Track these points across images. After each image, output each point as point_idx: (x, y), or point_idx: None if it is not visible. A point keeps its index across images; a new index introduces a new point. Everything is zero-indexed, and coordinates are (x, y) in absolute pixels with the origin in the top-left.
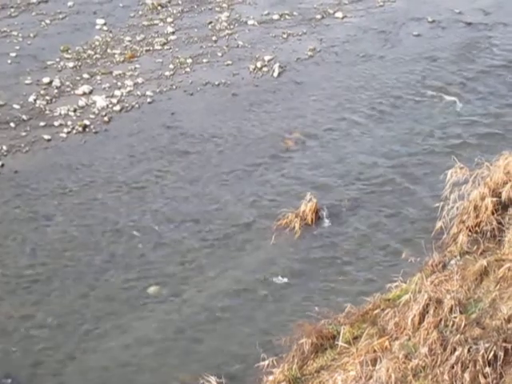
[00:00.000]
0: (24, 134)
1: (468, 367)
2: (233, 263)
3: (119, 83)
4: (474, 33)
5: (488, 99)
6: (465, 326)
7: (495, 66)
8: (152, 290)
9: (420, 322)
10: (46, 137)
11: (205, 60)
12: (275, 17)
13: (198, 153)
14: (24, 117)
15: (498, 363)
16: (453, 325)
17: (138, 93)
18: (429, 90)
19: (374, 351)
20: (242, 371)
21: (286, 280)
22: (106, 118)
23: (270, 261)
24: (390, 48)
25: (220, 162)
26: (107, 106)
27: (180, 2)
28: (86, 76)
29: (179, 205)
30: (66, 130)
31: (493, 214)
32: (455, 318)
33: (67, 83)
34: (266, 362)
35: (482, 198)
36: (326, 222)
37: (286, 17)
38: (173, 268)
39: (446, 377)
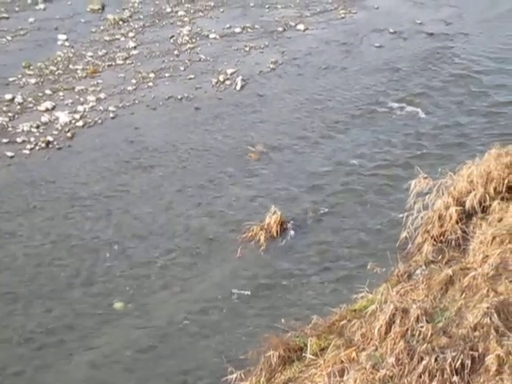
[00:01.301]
0: None
1: (435, 376)
2: (198, 277)
3: (82, 99)
4: (435, 43)
5: (450, 109)
6: (431, 335)
7: (457, 75)
8: (117, 305)
9: (387, 332)
10: (9, 153)
11: (167, 74)
12: (237, 30)
13: (161, 167)
14: None
15: (466, 371)
16: (419, 334)
17: (101, 108)
18: (391, 100)
19: (342, 362)
20: None
21: (251, 292)
22: (69, 134)
23: (236, 274)
24: (351, 59)
25: (184, 175)
26: (70, 121)
27: (141, 17)
28: (48, 92)
29: (144, 219)
30: (29, 146)
31: (457, 223)
32: (422, 327)
33: (30, 99)
34: (234, 376)
35: (446, 208)
36: (291, 234)
37: (248, 30)
38: (138, 283)
39: None
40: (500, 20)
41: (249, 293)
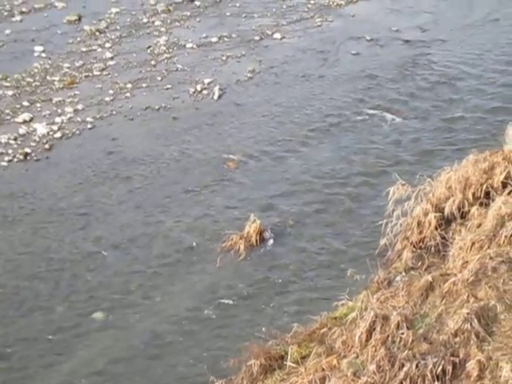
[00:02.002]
0: None
1: (417, 383)
2: (178, 287)
3: (59, 110)
4: (412, 50)
5: (427, 115)
6: (412, 341)
7: (434, 82)
8: (97, 316)
9: (367, 340)
10: None
11: (144, 84)
12: (214, 39)
13: (139, 177)
14: None
15: (447, 377)
16: (400, 341)
17: (79, 119)
18: (369, 108)
19: (323, 370)
20: None
21: (232, 302)
22: (47, 146)
23: (216, 283)
24: (328, 67)
25: (162, 185)
26: (48, 133)
27: (118, 28)
28: (25, 104)
29: (123, 230)
30: (6, 158)
31: (436, 229)
32: (402, 334)
33: (7, 111)
34: None
35: (425, 214)
36: (271, 243)
37: (225, 39)
38: (118, 294)
39: None
40: (476, 26)
41: (232, 302)
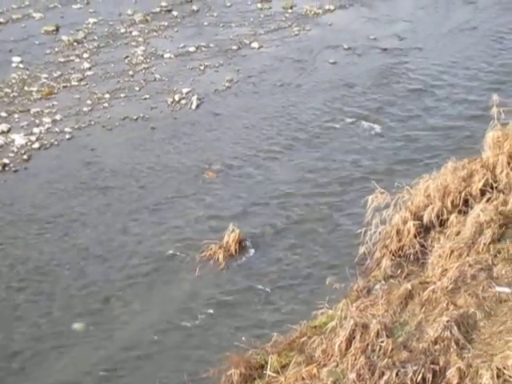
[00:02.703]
0: None
1: None
2: (158, 297)
3: (37, 121)
4: (389, 58)
5: (406, 123)
6: (392, 349)
7: (412, 90)
8: (77, 326)
9: (347, 348)
10: None
11: (122, 95)
12: (191, 49)
13: (118, 188)
14: None
15: None
16: (380, 349)
17: (57, 130)
18: (347, 116)
19: (303, 379)
20: None
21: (212, 311)
22: (25, 156)
23: (196, 293)
24: (306, 76)
25: (141, 195)
26: (26, 143)
27: (96, 38)
28: (3, 114)
29: (102, 240)
30: None
31: (415, 237)
32: (382, 342)
33: None
34: None
35: (404, 222)
36: (250, 252)
37: (203, 49)
38: (98, 304)
39: None
40: (453, 34)
41: (211, 311)
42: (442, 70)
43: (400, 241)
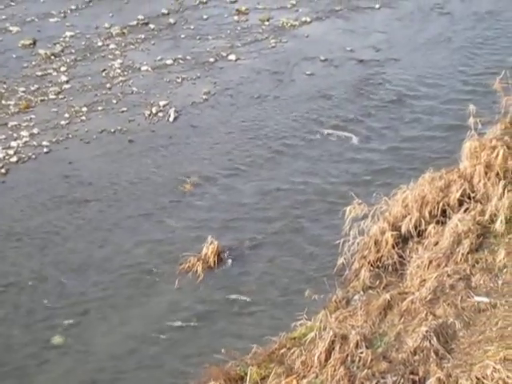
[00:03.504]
0: None
1: None
2: (137, 310)
3: (15, 134)
4: (366, 69)
5: (383, 134)
6: (371, 360)
7: (388, 101)
8: (56, 340)
9: (327, 359)
10: None
11: (100, 108)
12: (169, 62)
13: (97, 201)
14: None
15: None
16: (359, 360)
17: (35, 143)
18: (325, 128)
19: None
20: None
21: (191, 323)
22: (2, 170)
23: (175, 305)
24: (284, 88)
25: (119, 208)
26: (4, 157)
27: (73, 51)
28: None
29: (81, 254)
30: None
31: (393, 247)
32: (361, 353)
33: None
34: None
35: (382, 233)
36: (229, 264)
37: (180, 61)
38: (77, 317)
39: None
40: (429, 45)
41: (191, 323)
42: (419, 80)
43: (378, 251)
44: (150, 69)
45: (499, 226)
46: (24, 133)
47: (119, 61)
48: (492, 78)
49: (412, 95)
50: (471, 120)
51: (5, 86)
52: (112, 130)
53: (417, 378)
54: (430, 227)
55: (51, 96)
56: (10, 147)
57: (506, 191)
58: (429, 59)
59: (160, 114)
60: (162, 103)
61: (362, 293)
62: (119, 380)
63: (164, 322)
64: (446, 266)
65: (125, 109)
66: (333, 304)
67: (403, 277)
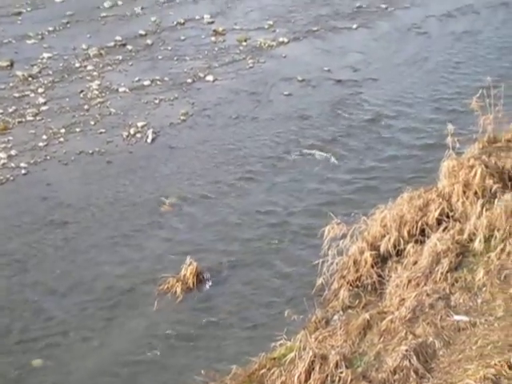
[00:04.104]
0: None
1: None
2: (116, 331)
3: None
4: (344, 89)
5: (361, 154)
6: (351, 380)
7: (366, 120)
8: (36, 362)
9: (306, 380)
10: None
11: (78, 129)
12: (146, 83)
13: (75, 222)
14: None
15: None
16: (339, 380)
17: (12, 165)
18: (302, 148)
19: None
20: None
21: (170, 345)
22: None
23: (154, 326)
24: (261, 108)
25: (98, 230)
26: None
27: (51, 73)
28: None
29: (59, 275)
30: None
31: (372, 267)
32: (341, 373)
33: None
34: None
35: (361, 252)
36: (208, 285)
37: (157, 82)
38: (56, 339)
39: None
40: (406, 65)
41: (170, 344)
42: (397, 100)
43: (357, 271)
44: (127, 90)
45: (478, 244)
46: (2, 154)
47: (97, 82)
48: (469, 98)
49: (390, 115)
50: (449, 139)
51: None
52: (90, 152)
53: None
54: (409, 246)
55: (29, 117)
56: None
57: (484, 210)
58: (406, 79)
59: (138, 135)
60: (139, 124)
61: (341, 312)
62: None
63: (144, 343)
64: (425, 285)
65: (103, 130)
66: (312, 324)
67: (382, 296)
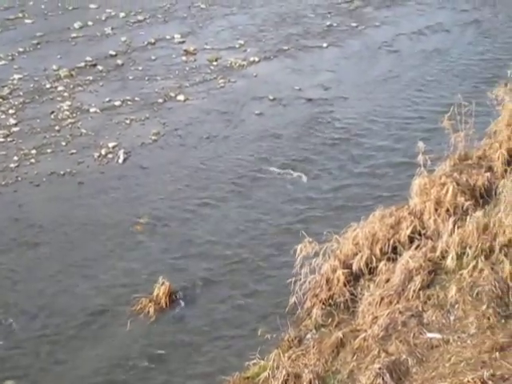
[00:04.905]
0: None
1: None
2: (90, 351)
3: None
4: (314, 108)
5: (333, 172)
6: None
7: (338, 139)
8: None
9: None
10: None
11: (49, 150)
12: (117, 103)
13: (47, 243)
14: None
15: None
16: None
17: None
18: (274, 167)
19: None
20: None
21: (144, 365)
22: None
23: (127, 347)
24: (233, 128)
25: (70, 251)
26: None
27: (21, 94)
28: None
29: (32, 297)
30: None
31: (345, 285)
32: None
33: None
34: None
35: (334, 271)
36: (181, 305)
37: (128, 102)
38: (29, 360)
39: None
40: (377, 83)
41: (144, 364)
42: (368, 118)
43: (330, 289)
44: (98, 110)
45: (450, 262)
46: None
47: (68, 103)
48: (440, 115)
49: (361, 133)
50: (420, 157)
51: None
52: (62, 173)
53: None
54: (381, 264)
55: (0, 139)
56: None
57: (456, 227)
58: (377, 97)
59: (109, 156)
60: (111, 145)
61: (314, 331)
62: None
63: (117, 363)
64: (397, 302)
65: (74, 151)
66: (285, 343)
67: (355, 314)
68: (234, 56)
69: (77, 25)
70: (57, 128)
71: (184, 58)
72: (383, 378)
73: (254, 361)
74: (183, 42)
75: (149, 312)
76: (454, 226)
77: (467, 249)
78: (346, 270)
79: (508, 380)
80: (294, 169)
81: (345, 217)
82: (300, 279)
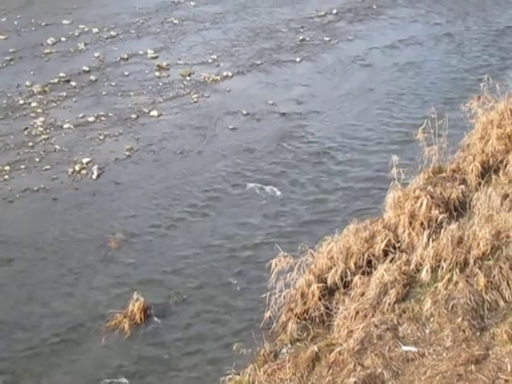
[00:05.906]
0: None
1: None
2: (65, 368)
3: None
4: (288, 122)
5: (307, 187)
6: None
7: (311, 153)
8: None
9: None
10: None
11: (23, 166)
12: (91, 119)
13: (21, 259)
14: None
15: None
16: None
17: None
18: (248, 181)
19: None
20: None
21: (120, 381)
22: None
23: (102, 363)
24: (207, 143)
25: (45, 267)
26: None
27: None
28: None
29: (6, 314)
30: None
31: (320, 299)
32: None
33: None
34: None
35: (308, 285)
36: (156, 320)
37: (102, 118)
38: (4, 378)
39: None
40: (351, 97)
41: (121, 381)
42: (341, 132)
43: (305, 304)
44: (72, 126)
45: (425, 275)
46: None
47: (41, 119)
48: (414, 129)
49: (335, 147)
50: (394, 170)
51: None
52: (35, 189)
53: None
54: (356, 278)
55: None
56: None
57: (430, 240)
58: (351, 111)
59: (83, 172)
60: (84, 160)
61: (289, 345)
62: None
63: (93, 380)
64: (372, 316)
65: (48, 167)
66: (261, 357)
67: (330, 328)
68: (208, 71)
69: (50, 41)
70: (30, 144)
71: (157, 73)
72: None
73: (230, 376)
74: (156, 57)
75: (124, 328)
76: (428, 239)
77: (442, 262)
78: (320, 284)
79: None
80: (268, 183)
81: (319, 231)
82: (275, 293)
